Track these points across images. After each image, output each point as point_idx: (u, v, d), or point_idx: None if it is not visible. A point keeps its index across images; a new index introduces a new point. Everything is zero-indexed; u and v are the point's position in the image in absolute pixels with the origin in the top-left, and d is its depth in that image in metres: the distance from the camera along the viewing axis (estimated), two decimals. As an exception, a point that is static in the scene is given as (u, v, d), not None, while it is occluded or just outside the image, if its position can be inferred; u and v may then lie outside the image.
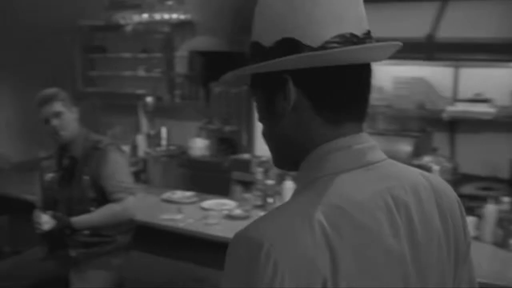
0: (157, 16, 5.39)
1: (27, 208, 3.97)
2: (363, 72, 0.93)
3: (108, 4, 5.85)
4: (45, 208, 2.99)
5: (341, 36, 0.88)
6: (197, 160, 5.04)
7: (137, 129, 5.41)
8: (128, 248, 3.05)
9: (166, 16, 5.39)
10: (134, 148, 5.11)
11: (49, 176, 3.11)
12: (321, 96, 0.89)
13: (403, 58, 4.39)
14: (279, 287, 0.77)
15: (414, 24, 4.20)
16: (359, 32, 0.90)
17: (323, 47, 0.87)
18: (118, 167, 2.94)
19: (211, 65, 5.10)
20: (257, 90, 0.96)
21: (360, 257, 0.83)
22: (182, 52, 5.41)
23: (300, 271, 0.78)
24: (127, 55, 5.75)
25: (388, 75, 4.51)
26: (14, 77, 6.97)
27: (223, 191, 4.15)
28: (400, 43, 0.93)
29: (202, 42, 5.00)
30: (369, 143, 0.93)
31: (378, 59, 0.94)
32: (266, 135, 0.97)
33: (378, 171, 0.91)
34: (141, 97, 5.41)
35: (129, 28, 5.57)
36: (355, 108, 0.92)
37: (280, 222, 0.82)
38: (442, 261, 0.95)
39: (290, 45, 0.88)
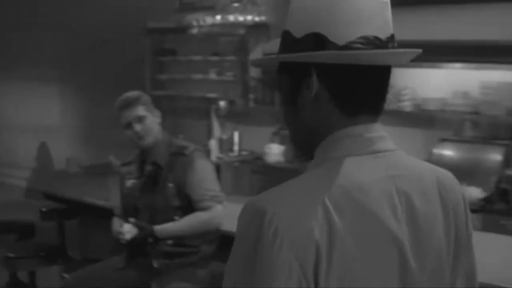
0: (231, 18, 5.27)
1: (98, 213, 3.92)
2: (383, 72, 1.02)
3: (178, 6, 5.78)
4: (125, 215, 2.91)
5: (365, 37, 0.96)
6: (273, 166, 4.90)
7: (209, 134, 5.31)
8: (213, 258, 2.92)
9: (240, 18, 5.26)
10: (207, 153, 5.00)
11: (130, 182, 3.02)
12: (340, 91, 0.99)
13: (490, 62, 4.16)
14: (277, 251, 0.87)
15: (501, 26, 3.94)
16: (383, 35, 0.98)
17: (347, 46, 0.96)
18: (205, 175, 2.83)
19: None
20: (283, 76, 1.04)
21: (357, 233, 0.91)
22: (256, 55, 5.27)
23: (298, 239, 0.87)
24: (198, 57, 5.67)
25: (474, 80, 4.31)
26: (82, 80, 7.00)
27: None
28: (420, 50, 1.01)
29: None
30: (379, 133, 1.01)
31: (397, 62, 1.03)
32: (287, 121, 1.06)
33: (385, 159, 1.00)
34: (212, 100, 5.31)
35: (200, 30, 5.49)
36: (371, 103, 1.01)
37: (285, 195, 0.93)
38: (440, 251, 1.02)
39: (318, 40, 0.97)
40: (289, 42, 1.03)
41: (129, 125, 2.86)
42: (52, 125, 7.43)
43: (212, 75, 5.71)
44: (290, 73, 1.04)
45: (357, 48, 0.97)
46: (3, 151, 7.90)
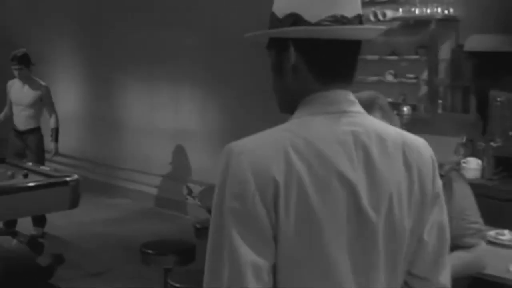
0: (416, 11, 4.74)
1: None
2: (351, 46, 1.26)
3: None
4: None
5: (333, 16, 1.21)
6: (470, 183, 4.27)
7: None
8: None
9: (426, 11, 4.71)
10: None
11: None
12: (315, 61, 1.24)
13: None
14: (242, 180, 1.12)
15: None
16: (349, 14, 1.23)
17: (317, 23, 1.21)
18: (468, 202, 2.35)
19: (488, 69, 4.35)
20: (270, 51, 1.30)
21: (314, 176, 1.13)
22: (446, 53, 4.71)
23: (259, 175, 1.12)
24: (372, 57, 5.16)
25: None
26: (220, 80, 6.68)
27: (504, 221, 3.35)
28: (383, 28, 1.38)
29: (482, 41, 4.26)
30: (348, 97, 1.25)
31: (363, 37, 1.28)
32: (274, 88, 1.32)
33: (349, 118, 1.22)
34: (394, 106, 4.76)
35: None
36: (342, 73, 1.25)
37: (253, 140, 1.18)
38: (400, 200, 1.21)
39: (294, 19, 1.22)
40: (273, 21, 1.26)
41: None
42: (188, 129, 7.14)
43: (389, 77, 5.18)
44: (274, 47, 1.28)
45: (326, 25, 1.20)
46: (135, 156, 7.80)
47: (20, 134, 6.26)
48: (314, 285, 1.16)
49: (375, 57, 5.32)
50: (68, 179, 4.61)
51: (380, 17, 5.10)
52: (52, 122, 6.31)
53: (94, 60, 8.36)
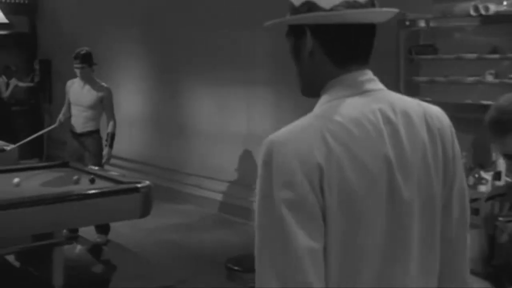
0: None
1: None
2: (366, 29, 1.33)
3: (446, -8, 4.86)
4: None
5: (347, 1, 1.29)
6: None
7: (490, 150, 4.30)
8: None
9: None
10: (497, 174, 4.03)
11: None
12: (331, 46, 1.31)
13: None
14: (290, 170, 1.18)
15: None
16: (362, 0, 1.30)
17: (331, 9, 1.29)
18: None
19: None
20: (289, 38, 1.38)
21: (351, 155, 1.22)
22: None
23: (304, 163, 1.19)
24: (470, 56, 4.68)
25: None
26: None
27: None
28: (395, 10, 1.36)
29: None
30: (368, 76, 1.33)
31: (376, 20, 1.34)
32: (297, 74, 1.40)
33: (374, 96, 1.31)
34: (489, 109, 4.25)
35: (473, 21, 4.51)
36: (359, 55, 1.33)
37: (292, 128, 1.25)
38: (427, 167, 1.31)
39: (310, 6, 1.31)
40: (291, 9, 1.36)
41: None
42: (259, 133, 6.77)
43: (489, 78, 4.69)
44: (292, 34, 1.37)
45: (340, 10, 1.28)
46: (201, 161, 7.55)
47: (78, 136, 6.01)
48: (357, 265, 1.24)
49: (473, 55, 4.86)
50: (139, 185, 4.33)
51: (482, 11, 4.62)
52: (109, 126, 6.02)
53: (160, 62, 8.16)
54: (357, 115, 1.27)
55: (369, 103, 1.29)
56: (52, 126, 6.23)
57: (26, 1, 10.91)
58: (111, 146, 5.95)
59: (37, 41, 11.08)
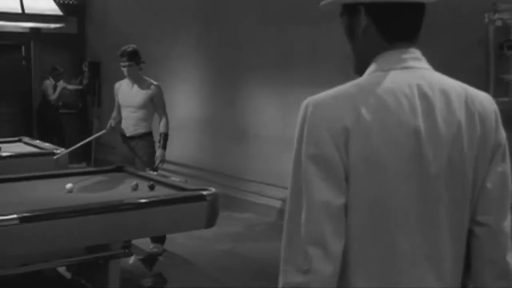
0: None
1: None
2: (416, 9, 1.42)
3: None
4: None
5: None
6: None
7: None
8: None
9: None
10: None
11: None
12: (383, 23, 1.40)
13: None
14: (318, 128, 1.32)
15: None
16: None
17: None
18: None
19: None
20: (343, 18, 1.48)
21: (379, 121, 1.31)
22: None
23: (332, 125, 1.31)
24: None
25: None
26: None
27: None
28: None
29: None
30: (414, 54, 1.41)
31: (426, 0, 1.41)
32: (352, 51, 1.49)
33: (415, 73, 1.39)
34: None
35: None
36: (407, 32, 1.42)
37: (328, 93, 1.37)
38: (461, 148, 1.35)
39: None
40: None
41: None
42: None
43: None
44: (346, 13, 1.46)
45: None
46: (261, 167, 7.18)
47: (128, 139, 5.64)
48: (381, 227, 1.33)
49: None
50: (205, 193, 3.96)
51: None
52: (161, 126, 5.63)
53: (218, 63, 7.81)
54: (394, 87, 1.35)
55: (408, 78, 1.37)
56: (102, 132, 5.86)
57: (75, 1, 10.70)
58: (164, 147, 5.56)
59: (85, 42, 10.91)
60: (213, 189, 4.07)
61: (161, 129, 5.60)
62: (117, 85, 5.82)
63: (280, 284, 1.35)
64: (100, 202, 3.78)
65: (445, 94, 1.37)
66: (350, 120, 1.31)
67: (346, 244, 1.33)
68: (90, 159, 10.11)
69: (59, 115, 10.16)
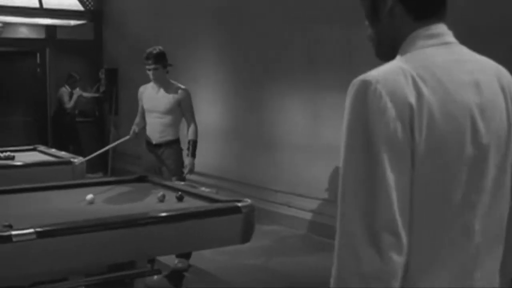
0: None
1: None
2: None
3: None
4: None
5: None
6: None
7: None
8: None
9: None
10: None
11: None
12: (412, 1, 1.37)
13: None
14: (383, 107, 1.23)
15: None
16: None
17: None
18: None
19: None
20: (364, 0, 1.44)
21: (438, 98, 1.26)
22: None
23: (397, 103, 1.23)
24: None
25: None
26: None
27: None
28: None
29: None
30: (446, 29, 1.39)
31: None
32: (372, 36, 1.44)
33: (453, 48, 1.38)
34: None
35: None
36: (436, 8, 1.39)
37: (383, 70, 1.29)
38: (502, 118, 1.37)
39: None
40: None
41: None
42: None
43: None
44: None
45: None
46: (290, 177, 6.79)
47: (154, 147, 5.28)
48: (443, 214, 1.28)
49: None
50: (240, 204, 3.57)
51: None
52: (190, 133, 5.29)
53: (243, 67, 7.44)
54: (442, 63, 1.32)
55: (449, 53, 1.36)
56: (126, 138, 5.50)
57: (91, 7, 10.41)
58: (193, 155, 5.21)
59: (102, 48, 10.61)
60: (248, 201, 3.72)
61: (190, 136, 5.26)
62: (141, 89, 5.47)
63: (337, 275, 1.25)
64: (125, 215, 3.42)
65: (482, 67, 1.39)
66: (413, 97, 1.25)
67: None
68: (107, 168, 9.80)
69: (75, 123, 9.89)
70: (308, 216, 6.55)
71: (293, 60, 6.67)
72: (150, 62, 5.14)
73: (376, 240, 1.20)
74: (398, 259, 1.21)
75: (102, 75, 10.07)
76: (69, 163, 5.63)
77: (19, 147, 6.72)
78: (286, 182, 6.79)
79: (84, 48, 10.39)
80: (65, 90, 9.73)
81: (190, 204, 3.79)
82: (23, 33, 10.04)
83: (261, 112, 7.16)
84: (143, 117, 5.40)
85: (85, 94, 9.94)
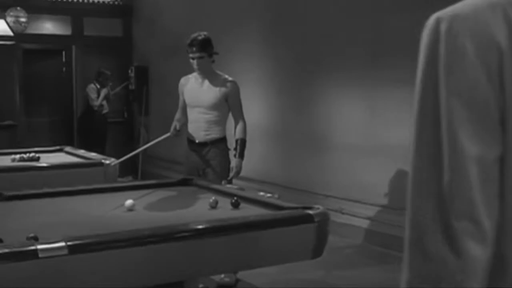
0: None
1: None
2: None
3: None
4: None
5: None
6: None
7: None
8: None
9: None
10: None
11: None
12: None
13: None
14: (461, 50, 0.97)
15: None
16: None
17: None
18: None
19: None
20: None
21: None
22: None
23: (481, 41, 0.96)
24: None
25: None
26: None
27: None
28: None
29: None
30: None
31: None
32: None
33: None
34: None
35: None
36: None
37: (464, 4, 1.02)
38: None
39: None
40: None
41: None
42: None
43: None
44: None
45: None
46: (343, 181, 6.19)
47: (198, 146, 4.67)
48: None
49: None
50: (312, 212, 2.95)
51: None
52: (237, 131, 4.69)
53: (289, 61, 6.81)
54: None
55: None
56: (166, 135, 4.90)
57: (120, 2, 9.90)
58: (241, 156, 4.60)
59: (132, 45, 10.13)
60: (320, 207, 3.12)
61: (238, 134, 4.65)
62: (182, 80, 4.86)
63: (405, 278, 1.03)
64: (173, 225, 2.82)
65: None
66: (503, 35, 0.96)
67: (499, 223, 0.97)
68: (137, 172, 9.28)
69: (102, 123, 9.37)
70: (364, 224, 5.97)
71: (347, 52, 6.09)
72: (194, 49, 4.53)
73: (450, 230, 0.97)
74: (478, 252, 0.96)
75: (131, 74, 9.60)
76: (100, 164, 5.12)
77: (44, 147, 6.28)
78: (339, 186, 6.21)
79: (112, 45, 9.89)
80: (93, 87, 9.23)
81: (249, 211, 3.18)
82: (48, 29, 9.56)
83: (310, 110, 6.57)
84: (185, 113, 4.80)
85: (113, 93, 9.45)
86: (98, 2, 9.73)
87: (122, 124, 9.94)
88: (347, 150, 6.13)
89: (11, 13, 8.84)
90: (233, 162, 4.60)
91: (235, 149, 4.62)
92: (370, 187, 5.82)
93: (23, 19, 8.98)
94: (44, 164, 5.15)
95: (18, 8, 8.92)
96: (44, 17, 9.42)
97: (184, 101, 4.79)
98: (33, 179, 4.71)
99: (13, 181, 4.55)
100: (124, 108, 9.99)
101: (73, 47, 9.71)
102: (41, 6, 9.20)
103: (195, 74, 4.69)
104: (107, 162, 5.15)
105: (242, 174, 4.76)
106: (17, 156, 5.39)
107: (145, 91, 9.54)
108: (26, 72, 9.35)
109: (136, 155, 9.06)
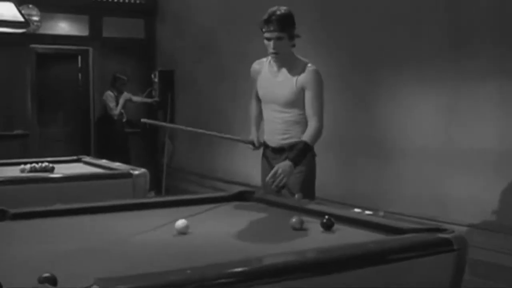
0: None
1: None
2: None
3: None
4: None
5: None
6: None
7: None
8: None
9: None
10: None
11: None
12: None
13: None
14: None
15: None
16: None
17: None
18: None
19: None
20: None
21: None
22: None
23: None
24: None
25: None
26: None
27: None
28: None
29: None
30: None
31: None
32: None
33: None
34: None
35: None
36: None
37: None
38: None
39: None
40: None
41: None
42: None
43: None
44: None
45: None
46: (414, 194, 5.28)
47: (275, 153, 3.72)
48: None
49: None
50: (449, 236, 2.23)
51: None
52: (307, 131, 3.59)
53: (346, 54, 5.99)
54: None
55: None
56: (243, 140, 3.89)
57: (142, 1, 9.12)
58: (294, 160, 3.44)
59: (156, 48, 9.36)
60: (454, 230, 2.21)
61: (305, 136, 3.57)
62: (256, 65, 3.82)
63: None
64: (255, 258, 1.92)
65: None
66: None
67: None
68: (160, 186, 8.45)
69: (124, 133, 8.56)
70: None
71: (419, 42, 5.20)
72: (271, 28, 3.49)
73: None
74: None
75: (155, 79, 8.83)
76: (128, 176, 4.28)
77: (60, 158, 5.49)
78: (409, 201, 5.29)
79: (133, 48, 9.10)
80: (110, 94, 8.41)
81: (348, 234, 2.27)
82: (63, 29, 8.78)
83: (373, 111, 5.70)
84: (259, 106, 3.83)
85: (135, 99, 8.64)
86: (119, 1, 8.97)
87: (145, 133, 9.14)
88: (419, 157, 5.22)
89: (23, 11, 8.08)
90: (281, 164, 3.52)
91: (292, 150, 3.61)
92: (451, 202, 4.87)
93: (35, 18, 8.22)
94: (60, 175, 4.36)
95: (30, 5, 8.17)
96: (58, 16, 8.67)
97: (257, 93, 3.80)
98: (46, 192, 3.99)
99: (22, 196, 3.82)
100: (147, 117, 9.21)
101: (90, 49, 8.96)
102: (56, 4, 8.49)
103: (268, 60, 3.69)
104: (136, 173, 4.30)
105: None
106: (28, 166, 4.57)
107: (170, 98, 8.77)
108: (39, 78, 8.67)
109: (160, 170, 8.30)
